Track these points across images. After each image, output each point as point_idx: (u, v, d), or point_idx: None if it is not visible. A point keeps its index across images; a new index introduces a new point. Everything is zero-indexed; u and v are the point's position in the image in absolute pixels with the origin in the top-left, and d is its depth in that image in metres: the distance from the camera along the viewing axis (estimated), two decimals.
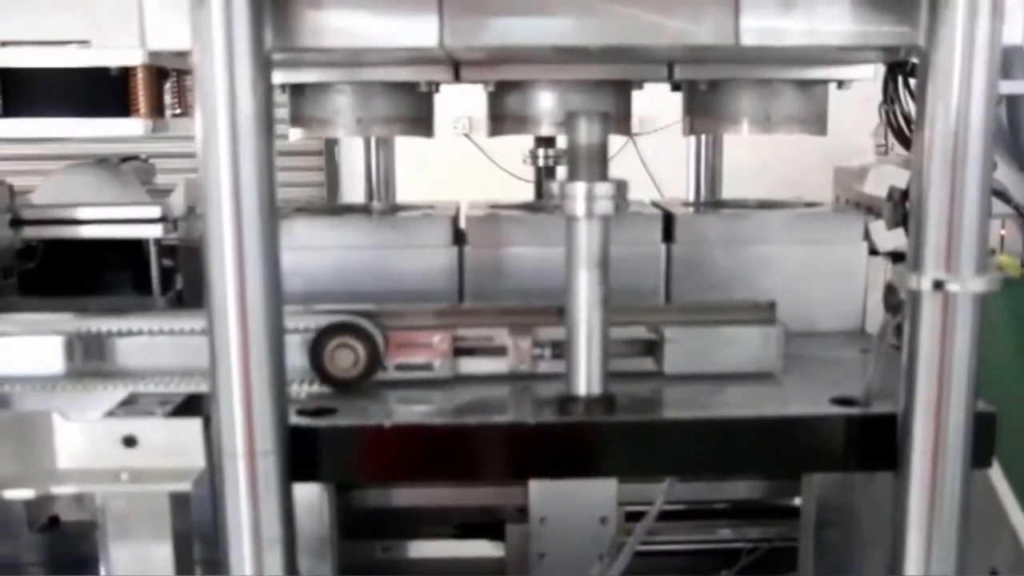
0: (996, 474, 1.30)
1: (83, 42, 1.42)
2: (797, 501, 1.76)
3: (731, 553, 1.87)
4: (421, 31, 1.09)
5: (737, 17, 1.10)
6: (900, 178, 1.51)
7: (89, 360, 1.42)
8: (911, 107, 1.78)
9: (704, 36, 1.11)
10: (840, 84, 1.45)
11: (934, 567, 1.09)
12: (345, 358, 1.28)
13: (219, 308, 1.03)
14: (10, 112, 1.43)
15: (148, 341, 1.36)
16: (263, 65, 1.01)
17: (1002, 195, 1.45)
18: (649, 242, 1.54)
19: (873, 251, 1.59)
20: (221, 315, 1.03)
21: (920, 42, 1.04)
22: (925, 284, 1.05)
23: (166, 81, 1.55)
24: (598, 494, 1.70)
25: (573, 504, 1.71)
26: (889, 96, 1.65)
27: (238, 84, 0.99)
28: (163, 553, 1.25)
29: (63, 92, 1.46)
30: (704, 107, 1.46)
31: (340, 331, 1.28)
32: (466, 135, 4.44)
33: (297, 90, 1.42)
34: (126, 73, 1.44)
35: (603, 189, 1.14)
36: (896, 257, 1.59)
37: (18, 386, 1.35)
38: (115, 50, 1.41)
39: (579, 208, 1.14)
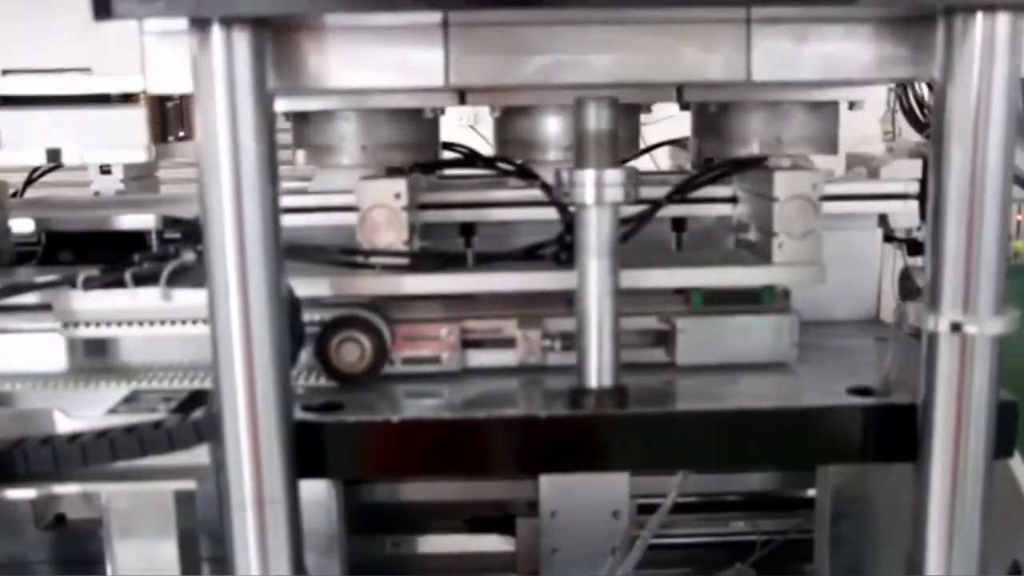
0: (1018, 464, 1.28)
1: (84, 69, 1.41)
2: (812, 492, 1.75)
3: (745, 546, 1.86)
4: (427, 71, 1.08)
5: (749, 52, 1.08)
6: (913, 171, 1.49)
7: (91, 356, 1.42)
8: (924, 91, 1.77)
9: (715, 72, 1.09)
10: (852, 105, 1.44)
11: (955, 560, 1.07)
12: (351, 352, 1.26)
13: (221, 306, 1.01)
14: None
15: (152, 336, 1.35)
16: (266, 107, 0.99)
17: (1019, 180, 1.43)
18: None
19: (888, 238, 1.57)
20: (223, 313, 1.01)
21: (936, 75, 1.02)
22: (943, 326, 1.03)
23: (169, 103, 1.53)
24: (610, 487, 1.69)
25: (585, 498, 1.70)
26: (901, 81, 1.63)
27: (241, 129, 0.97)
28: (168, 551, 1.24)
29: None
30: (713, 129, 1.45)
31: (346, 324, 1.26)
32: (471, 127, 4.43)
33: (301, 118, 1.40)
34: (128, 100, 1.43)
35: (613, 176, 1.12)
36: (911, 245, 1.57)
37: (19, 384, 1.34)
38: (117, 77, 1.40)
39: (588, 196, 1.12)
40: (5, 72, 1.42)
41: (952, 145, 1.00)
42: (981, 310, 1.02)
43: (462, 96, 1.39)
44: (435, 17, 1.06)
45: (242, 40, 0.96)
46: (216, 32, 0.96)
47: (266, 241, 1.00)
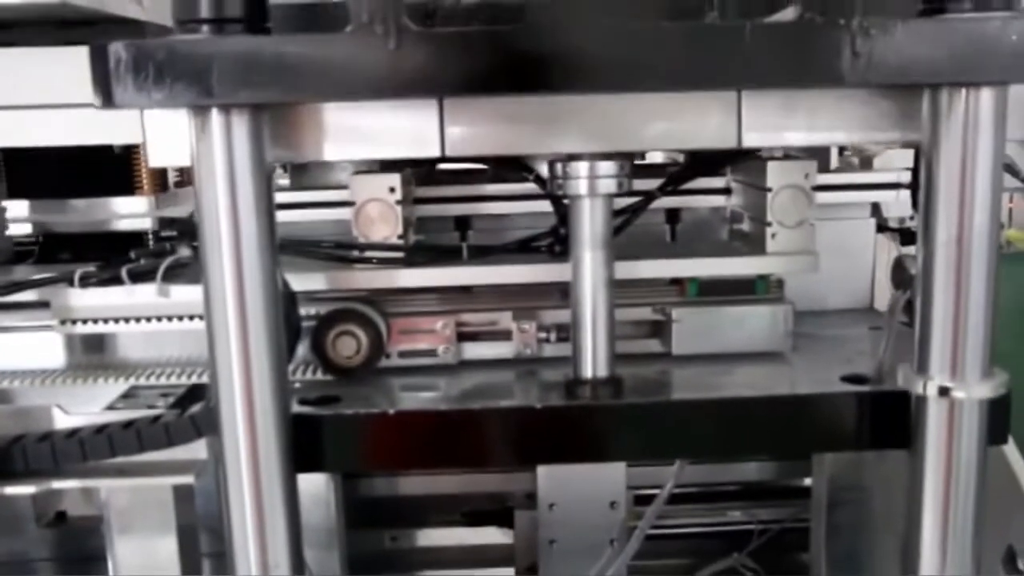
0: (1012, 450, 1.29)
1: (86, 105, 1.42)
2: (808, 481, 1.75)
3: (742, 535, 1.86)
4: (423, 144, 1.08)
5: (740, 122, 1.09)
6: (906, 160, 1.49)
7: (89, 353, 1.42)
8: None
9: (707, 140, 1.10)
10: (841, 151, 1.44)
11: (950, 547, 1.07)
12: (347, 345, 1.27)
13: (217, 300, 1.02)
14: (13, 194, 1.43)
15: (149, 332, 1.35)
16: (265, 180, 1.00)
17: (1010, 168, 1.43)
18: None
19: (881, 228, 1.58)
20: (219, 307, 1.02)
21: (922, 142, 1.02)
22: (931, 390, 1.04)
23: None
24: (607, 478, 1.69)
25: (582, 489, 1.70)
26: None
27: (240, 203, 0.99)
28: (168, 546, 1.25)
29: (66, 171, 1.46)
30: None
31: (342, 318, 1.27)
32: None
33: (297, 167, 1.41)
34: (128, 151, 1.44)
35: (606, 167, 1.12)
36: (904, 234, 1.58)
37: (18, 380, 1.35)
38: (118, 128, 1.41)
39: (582, 187, 1.13)
40: (3, 108, 1.42)
41: (939, 212, 1.01)
42: (969, 375, 1.03)
43: None
44: None
45: (241, 122, 0.98)
46: (215, 116, 0.97)
47: (261, 235, 1.01)
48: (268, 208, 1.01)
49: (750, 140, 1.10)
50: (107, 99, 0.95)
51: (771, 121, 1.09)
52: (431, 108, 1.08)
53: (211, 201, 0.99)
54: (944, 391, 1.04)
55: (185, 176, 1.57)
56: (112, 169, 1.45)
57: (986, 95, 0.98)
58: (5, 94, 1.36)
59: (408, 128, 1.08)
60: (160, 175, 1.51)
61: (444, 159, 1.11)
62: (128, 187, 1.47)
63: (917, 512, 1.08)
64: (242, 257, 1.00)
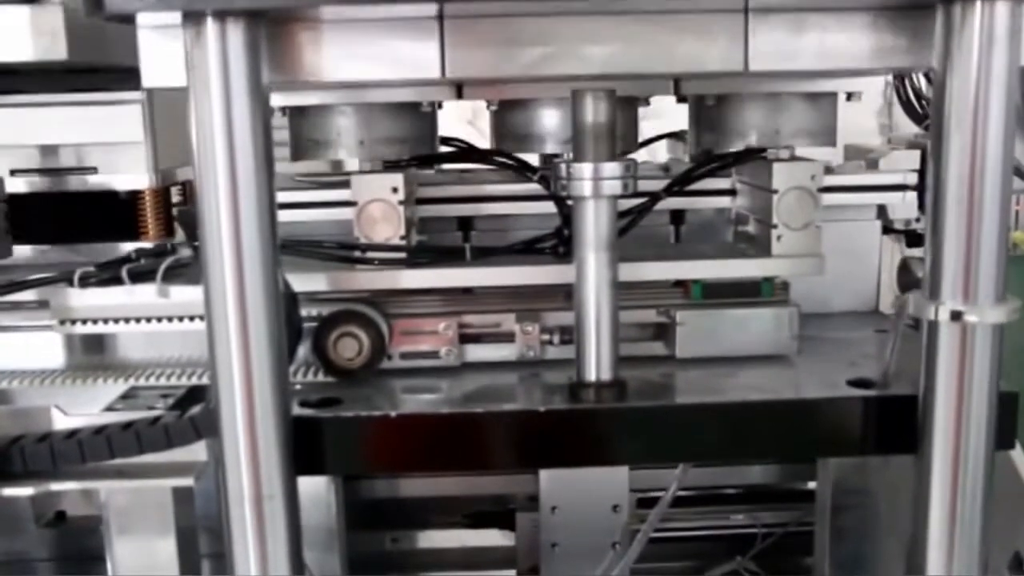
0: (1019, 455, 1.28)
1: (90, 169, 1.43)
2: (812, 485, 1.75)
3: (746, 538, 1.86)
4: (422, 64, 1.07)
5: (746, 42, 1.07)
6: (912, 162, 1.48)
7: (89, 353, 1.42)
8: (921, 83, 1.76)
9: (712, 63, 1.08)
10: (849, 96, 1.43)
11: (957, 553, 1.06)
12: (349, 347, 1.26)
13: (217, 300, 1.01)
14: (19, 238, 1.43)
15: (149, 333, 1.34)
16: (261, 101, 0.98)
17: (1019, 171, 1.42)
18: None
19: (887, 230, 1.57)
20: (219, 308, 1.01)
21: (934, 65, 1.01)
22: (943, 315, 1.03)
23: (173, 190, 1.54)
24: (610, 481, 1.69)
25: (584, 492, 1.70)
26: (899, 72, 1.62)
27: (236, 122, 0.97)
28: (167, 547, 1.24)
29: (72, 216, 1.46)
30: (711, 121, 1.44)
31: (343, 319, 1.26)
32: (470, 123, 4.42)
33: (298, 112, 1.40)
34: (134, 196, 1.44)
35: (611, 169, 1.11)
36: (910, 236, 1.57)
37: (17, 381, 1.34)
38: (123, 175, 1.43)
39: (586, 189, 1.12)
40: (13, 172, 1.43)
41: (951, 134, 0.99)
42: (982, 298, 1.01)
43: (459, 90, 1.38)
44: (430, 9, 1.06)
45: (236, 33, 0.95)
46: (210, 25, 0.95)
47: (263, 236, 1.00)
48: (265, 130, 0.98)
49: (757, 65, 1.08)
50: (97, 6, 0.93)
51: (778, 46, 1.07)
52: (431, 29, 1.06)
53: (206, 121, 0.96)
54: (956, 315, 1.02)
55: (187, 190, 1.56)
56: (117, 213, 1.45)
57: (1001, 9, 0.96)
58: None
59: (408, 49, 1.07)
60: (165, 218, 1.50)
61: (444, 81, 1.08)
62: (133, 231, 1.47)
63: (924, 513, 1.07)
64: (237, 180, 0.97)
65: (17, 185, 1.43)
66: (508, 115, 1.47)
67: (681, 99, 1.50)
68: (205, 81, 0.96)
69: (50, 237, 1.48)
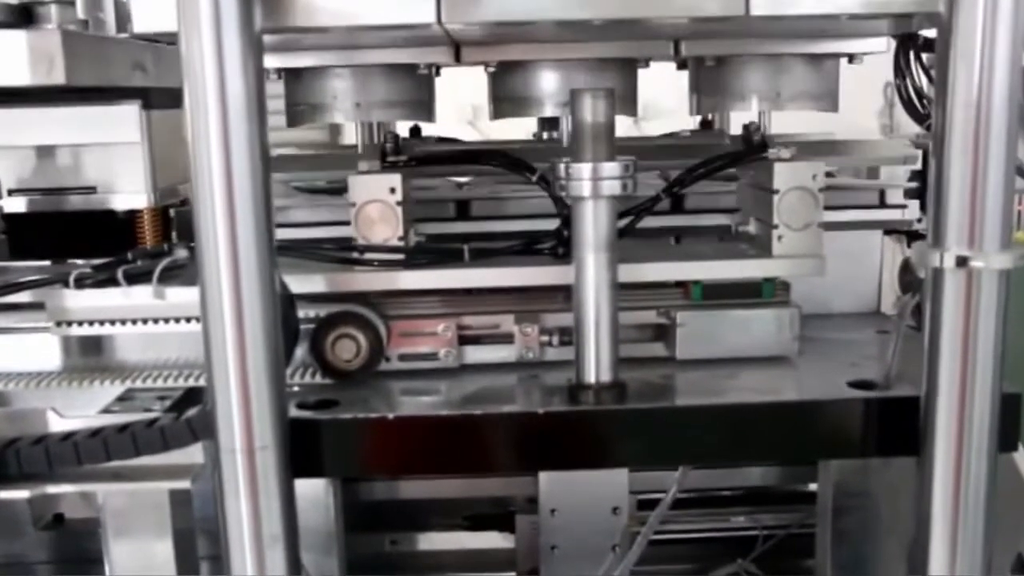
0: (1022, 458, 1.27)
1: (89, 189, 1.42)
2: (813, 487, 1.74)
3: (747, 540, 1.85)
4: (418, 8, 1.05)
5: None
6: (913, 159, 1.48)
7: (85, 355, 1.41)
8: (923, 81, 1.75)
9: (713, 7, 1.07)
10: (851, 59, 1.41)
11: (960, 554, 1.06)
12: (347, 349, 1.25)
13: (213, 301, 1.00)
14: (17, 255, 1.43)
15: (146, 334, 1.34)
16: (254, 46, 0.97)
17: (1019, 170, 1.42)
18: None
19: (888, 231, 1.56)
20: (215, 308, 1.00)
21: (939, 8, 1.00)
22: (948, 261, 1.00)
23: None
24: (609, 483, 1.68)
25: (584, 494, 1.69)
26: (900, 70, 1.62)
27: (227, 67, 0.95)
28: (164, 550, 1.23)
29: (70, 233, 1.46)
30: (711, 84, 1.42)
31: (341, 320, 1.25)
32: (470, 123, 4.41)
33: (293, 75, 1.38)
34: (132, 215, 1.44)
35: (610, 169, 1.10)
36: (911, 236, 1.56)
37: (12, 383, 1.34)
38: (121, 195, 1.43)
39: (585, 189, 1.11)
40: (11, 192, 1.43)
41: (957, 75, 0.98)
42: (988, 244, 0.99)
43: (457, 52, 1.36)
44: None
45: None
46: None
47: (259, 235, 0.99)
48: (257, 78, 0.97)
49: (758, 9, 1.06)
50: None
51: None
52: None
53: (196, 66, 0.95)
54: (962, 261, 0.99)
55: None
56: (115, 232, 1.45)
57: None
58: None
59: None
60: (163, 237, 1.49)
61: (440, 25, 1.05)
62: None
63: (926, 516, 1.07)
64: (228, 123, 0.96)
65: (16, 204, 1.43)
66: (506, 78, 1.44)
67: (681, 66, 1.47)
68: (195, 24, 0.94)
69: (49, 256, 1.47)
